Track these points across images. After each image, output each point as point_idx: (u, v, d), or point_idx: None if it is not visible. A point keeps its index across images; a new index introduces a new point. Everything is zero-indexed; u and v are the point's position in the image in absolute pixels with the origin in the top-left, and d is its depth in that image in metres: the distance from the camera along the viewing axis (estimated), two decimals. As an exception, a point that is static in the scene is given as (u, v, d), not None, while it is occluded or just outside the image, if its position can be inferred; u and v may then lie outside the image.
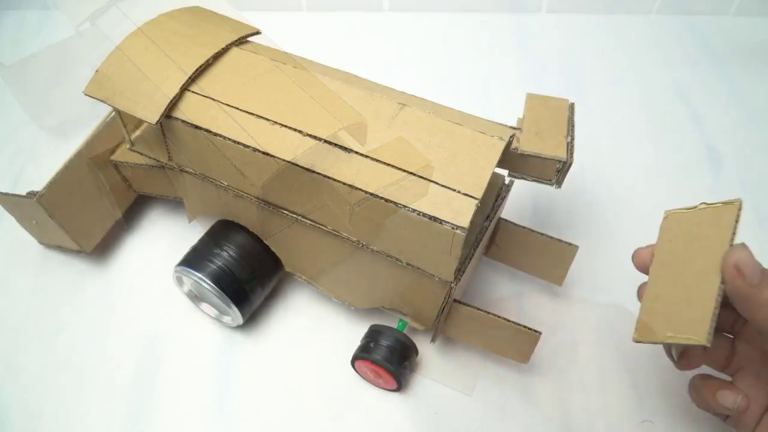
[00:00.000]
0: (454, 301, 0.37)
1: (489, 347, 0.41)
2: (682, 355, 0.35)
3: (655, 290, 0.31)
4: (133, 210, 0.51)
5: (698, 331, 0.27)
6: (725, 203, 0.30)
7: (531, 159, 0.35)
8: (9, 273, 0.49)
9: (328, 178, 0.33)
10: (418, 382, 0.42)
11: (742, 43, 0.65)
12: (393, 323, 0.42)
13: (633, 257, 0.35)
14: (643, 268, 0.34)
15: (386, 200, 0.32)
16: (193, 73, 0.37)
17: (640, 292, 0.35)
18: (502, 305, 0.46)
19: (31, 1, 0.71)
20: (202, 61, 0.37)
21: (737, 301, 0.28)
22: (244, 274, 0.41)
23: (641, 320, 0.31)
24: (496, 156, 0.33)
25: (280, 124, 0.35)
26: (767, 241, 0.50)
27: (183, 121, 0.37)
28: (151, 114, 0.36)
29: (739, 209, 0.29)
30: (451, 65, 0.64)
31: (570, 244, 0.41)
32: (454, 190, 0.32)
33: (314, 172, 0.34)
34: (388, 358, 0.39)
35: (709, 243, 0.29)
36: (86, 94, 0.38)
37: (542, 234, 0.42)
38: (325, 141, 0.34)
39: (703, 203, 0.32)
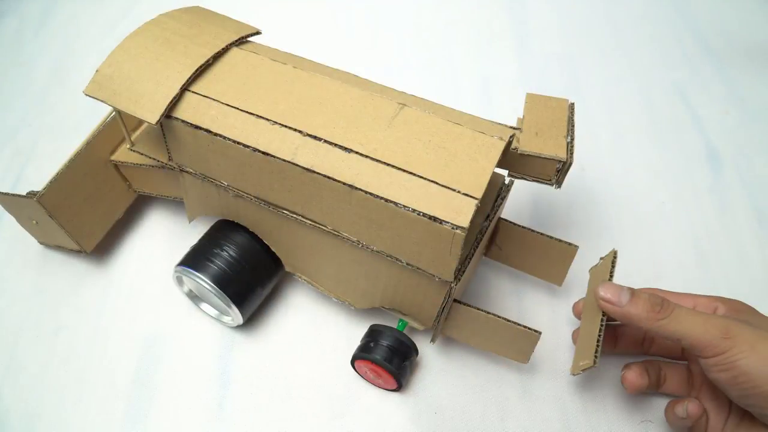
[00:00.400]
0: (454, 301, 0.37)
1: (489, 347, 0.41)
2: (622, 379, 0.39)
3: (582, 332, 0.38)
4: (133, 210, 0.51)
5: (589, 355, 0.34)
6: (608, 255, 0.39)
7: (531, 159, 0.35)
8: (9, 273, 0.49)
9: (328, 178, 0.33)
10: (418, 382, 0.42)
11: (742, 43, 0.65)
12: (393, 323, 0.42)
13: (572, 309, 0.43)
14: (578, 317, 0.42)
15: (386, 200, 0.32)
16: (193, 73, 0.37)
17: (574, 336, 0.43)
18: (502, 305, 0.46)
19: (31, 1, 0.71)
20: (202, 61, 0.37)
21: (626, 322, 0.35)
22: (244, 274, 0.41)
23: (574, 357, 0.37)
24: (496, 156, 0.33)
25: (280, 124, 0.35)
26: (767, 241, 0.50)
27: (183, 121, 0.37)
28: (151, 114, 0.36)
29: (614, 257, 0.38)
30: (451, 65, 0.64)
31: (570, 244, 0.41)
32: (454, 190, 0.32)
33: (314, 172, 0.34)
34: (388, 358, 0.39)
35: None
36: (86, 94, 0.38)
37: (542, 234, 0.42)
38: (325, 141, 0.34)
39: (600, 258, 0.40)
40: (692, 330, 0.32)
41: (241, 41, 0.40)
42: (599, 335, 0.35)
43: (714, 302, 0.38)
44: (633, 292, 0.34)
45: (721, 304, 0.38)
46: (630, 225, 0.51)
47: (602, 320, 0.35)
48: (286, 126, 0.35)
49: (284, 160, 0.34)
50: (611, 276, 0.37)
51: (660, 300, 0.34)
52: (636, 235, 0.50)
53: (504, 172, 0.38)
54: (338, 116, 0.35)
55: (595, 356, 0.34)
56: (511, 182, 0.41)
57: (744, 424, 0.35)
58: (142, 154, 0.43)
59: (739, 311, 0.37)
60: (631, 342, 0.41)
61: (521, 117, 0.37)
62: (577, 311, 0.43)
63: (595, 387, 0.42)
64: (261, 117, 0.35)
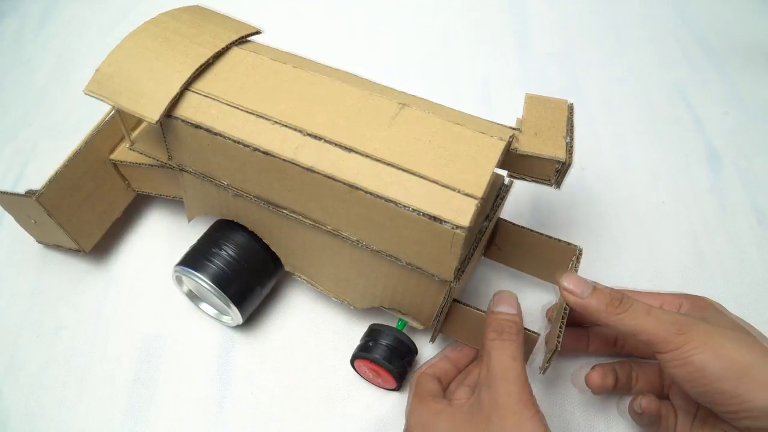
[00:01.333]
0: (454, 300, 0.37)
1: (489, 347, 0.41)
2: (586, 380, 0.39)
3: (551, 334, 0.39)
4: (133, 210, 0.51)
5: (552, 342, 0.36)
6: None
7: (530, 159, 0.35)
8: (9, 273, 0.49)
9: (329, 177, 0.33)
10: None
11: (742, 43, 0.65)
12: (392, 323, 0.42)
13: (546, 314, 0.45)
14: (551, 321, 0.43)
15: (387, 200, 0.32)
16: (194, 73, 0.37)
17: (547, 338, 0.42)
18: (502, 305, 0.46)
19: (32, 1, 0.72)
20: (202, 60, 0.37)
21: (584, 314, 0.35)
22: (244, 273, 0.41)
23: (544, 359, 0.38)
24: (497, 156, 0.33)
25: (280, 123, 0.35)
26: (767, 241, 0.50)
27: (183, 120, 0.37)
28: (152, 113, 0.36)
29: (579, 254, 0.41)
30: (451, 65, 0.64)
31: (570, 243, 0.41)
32: (455, 190, 0.32)
33: (315, 171, 0.34)
34: (388, 358, 0.39)
35: None
36: (87, 93, 0.38)
37: (542, 234, 0.42)
38: (326, 140, 0.34)
39: (570, 261, 0.42)
40: (647, 325, 0.33)
41: (241, 41, 0.40)
42: (562, 321, 0.36)
43: (679, 299, 0.38)
44: (595, 286, 0.35)
45: (686, 301, 0.38)
46: (630, 225, 0.51)
47: (565, 308, 0.36)
48: (286, 125, 0.35)
49: (285, 160, 0.34)
50: (576, 270, 0.39)
51: (620, 295, 0.35)
52: (636, 235, 0.50)
53: (503, 173, 0.38)
54: (339, 116, 0.35)
55: (558, 341, 0.35)
56: (511, 182, 0.41)
57: (709, 422, 0.35)
58: (141, 153, 0.43)
59: (703, 308, 0.37)
60: (603, 342, 0.42)
61: (520, 117, 0.37)
62: (550, 316, 0.43)
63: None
64: (262, 116, 0.35)
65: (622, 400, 0.41)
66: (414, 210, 0.32)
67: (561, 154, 0.34)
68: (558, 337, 0.35)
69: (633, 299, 0.34)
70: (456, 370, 0.40)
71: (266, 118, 0.35)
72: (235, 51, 0.39)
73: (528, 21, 0.68)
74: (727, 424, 0.33)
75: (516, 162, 0.36)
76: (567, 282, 0.36)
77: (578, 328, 0.42)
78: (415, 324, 0.41)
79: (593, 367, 0.39)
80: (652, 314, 0.33)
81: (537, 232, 0.42)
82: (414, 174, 0.32)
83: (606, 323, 0.34)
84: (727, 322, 0.35)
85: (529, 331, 0.37)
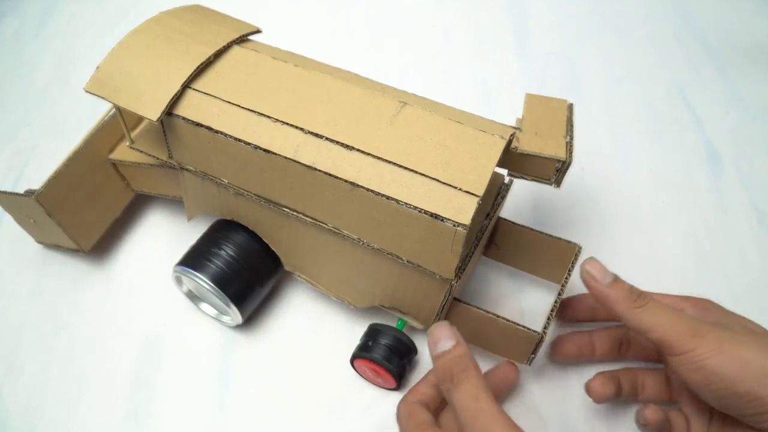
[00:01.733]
0: (454, 299, 0.37)
1: (488, 347, 0.41)
2: (586, 389, 0.39)
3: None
4: (133, 209, 0.51)
5: (540, 330, 0.37)
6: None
7: (531, 158, 0.35)
8: (9, 273, 0.49)
9: (330, 175, 0.33)
10: (417, 381, 0.42)
11: (742, 43, 0.65)
12: (392, 322, 0.42)
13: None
14: None
15: (388, 198, 0.32)
16: (195, 71, 0.37)
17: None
18: (501, 304, 0.46)
19: (32, 1, 0.71)
20: (203, 58, 0.37)
21: (601, 303, 0.35)
22: (243, 273, 0.41)
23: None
24: (497, 154, 0.33)
25: (281, 121, 0.35)
26: (767, 241, 0.50)
27: (184, 119, 0.37)
28: (152, 111, 0.36)
29: (578, 252, 0.41)
30: (451, 65, 0.64)
31: (570, 242, 0.41)
32: (456, 188, 0.32)
33: (316, 169, 0.34)
34: (388, 357, 0.39)
35: None
36: (87, 91, 0.38)
37: (542, 233, 0.42)
38: (327, 139, 0.34)
39: (570, 259, 0.41)
40: (662, 324, 0.33)
41: (242, 39, 0.40)
42: (552, 310, 0.37)
43: (683, 302, 0.38)
44: (615, 277, 0.35)
45: (697, 303, 0.38)
46: (630, 225, 0.51)
47: (557, 300, 0.37)
48: (287, 124, 0.35)
49: (286, 158, 0.34)
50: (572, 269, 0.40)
51: (639, 291, 0.34)
52: (636, 235, 0.50)
53: (503, 172, 0.38)
54: (340, 114, 0.35)
55: (544, 331, 0.36)
56: (511, 181, 0.41)
57: (727, 428, 0.35)
58: (142, 151, 0.43)
59: (708, 310, 0.37)
60: (608, 348, 0.41)
61: (520, 117, 0.37)
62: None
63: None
64: (262, 115, 0.35)
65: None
66: (415, 208, 0.32)
67: (561, 153, 0.34)
68: (545, 327, 0.36)
69: (651, 297, 0.34)
70: (440, 395, 0.38)
71: (267, 117, 0.35)
72: (236, 49, 0.39)
73: (528, 21, 0.68)
74: (749, 428, 0.33)
75: (516, 161, 0.36)
76: (590, 266, 0.35)
77: (582, 333, 0.41)
78: (415, 323, 0.41)
79: (595, 375, 0.39)
80: (668, 314, 0.33)
81: (537, 231, 0.42)
82: (415, 172, 0.32)
83: (622, 316, 0.34)
84: (738, 324, 0.35)
85: (529, 329, 0.37)
